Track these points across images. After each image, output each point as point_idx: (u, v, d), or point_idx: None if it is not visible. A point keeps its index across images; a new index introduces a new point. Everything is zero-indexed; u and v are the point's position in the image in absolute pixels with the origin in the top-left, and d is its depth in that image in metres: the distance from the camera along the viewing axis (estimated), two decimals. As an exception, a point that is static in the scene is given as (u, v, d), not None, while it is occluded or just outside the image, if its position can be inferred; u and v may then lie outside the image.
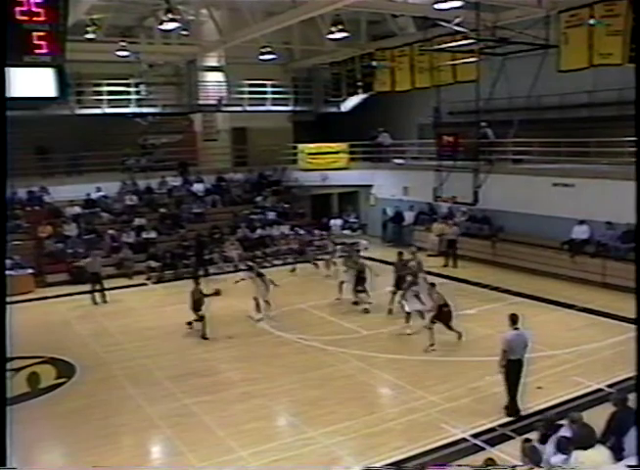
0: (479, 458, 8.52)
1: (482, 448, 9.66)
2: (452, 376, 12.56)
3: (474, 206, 20.20)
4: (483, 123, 22.64)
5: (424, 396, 11.79)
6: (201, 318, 15.74)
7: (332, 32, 20.77)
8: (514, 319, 10.85)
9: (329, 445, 10.09)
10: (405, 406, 11.41)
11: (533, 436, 8.03)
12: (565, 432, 7.34)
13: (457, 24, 19.36)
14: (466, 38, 19.50)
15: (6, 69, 5.40)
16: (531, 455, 7.17)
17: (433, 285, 15.09)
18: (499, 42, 19.25)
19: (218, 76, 29.72)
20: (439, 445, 9.89)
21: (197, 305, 15.81)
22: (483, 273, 21.21)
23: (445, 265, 22.42)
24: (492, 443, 9.81)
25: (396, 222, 27.09)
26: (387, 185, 28.34)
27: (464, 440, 10.04)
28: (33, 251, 22.78)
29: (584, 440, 6.96)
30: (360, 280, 17.64)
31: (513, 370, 10.72)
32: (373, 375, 13.09)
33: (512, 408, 10.81)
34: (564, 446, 6.98)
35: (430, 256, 23.97)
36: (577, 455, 6.78)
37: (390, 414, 11.17)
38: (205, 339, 15.54)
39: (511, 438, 9.83)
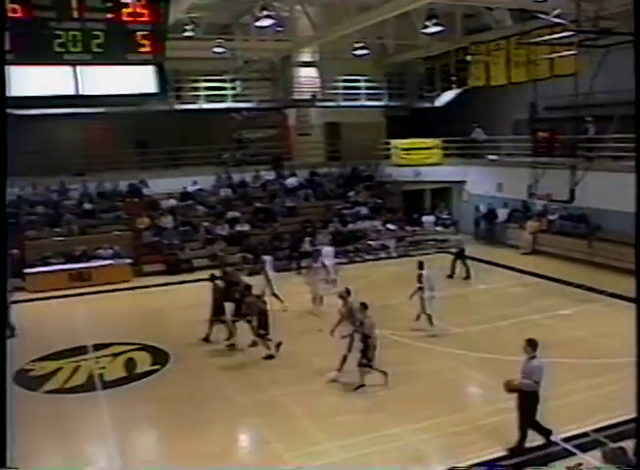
0: (570, 463, 8.34)
1: (574, 454, 9.40)
2: (545, 378, 12.27)
3: (570, 204, 19.61)
4: (589, 118, 21.93)
5: (513, 396, 11.56)
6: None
7: (426, 26, 20.62)
8: (534, 345, 9.46)
9: (414, 441, 10.07)
10: (494, 406, 11.20)
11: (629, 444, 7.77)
12: None
13: (556, 16, 18.82)
14: (565, 30, 18.93)
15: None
16: (614, 459, 6.92)
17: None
18: (601, 34, 18.55)
19: (312, 72, 30.03)
20: (526, 447, 9.63)
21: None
22: (578, 273, 20.55)
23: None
24: (584, 448, 9.52)
25: (489, 220, 26.64)
26: (480, 181, 27.89)
27: (554, 443, 9.77)
28: (131, 241, 23.69)
29: None
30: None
31: (536, 401, 9.53)
32: (462, 373, 12.94)
33: (521, 444, 9.60)
34: None
35: (524, 254, 23.58)
36: None
37: (479, 414, 11.05)
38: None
39: (604, 444, 9.52)
